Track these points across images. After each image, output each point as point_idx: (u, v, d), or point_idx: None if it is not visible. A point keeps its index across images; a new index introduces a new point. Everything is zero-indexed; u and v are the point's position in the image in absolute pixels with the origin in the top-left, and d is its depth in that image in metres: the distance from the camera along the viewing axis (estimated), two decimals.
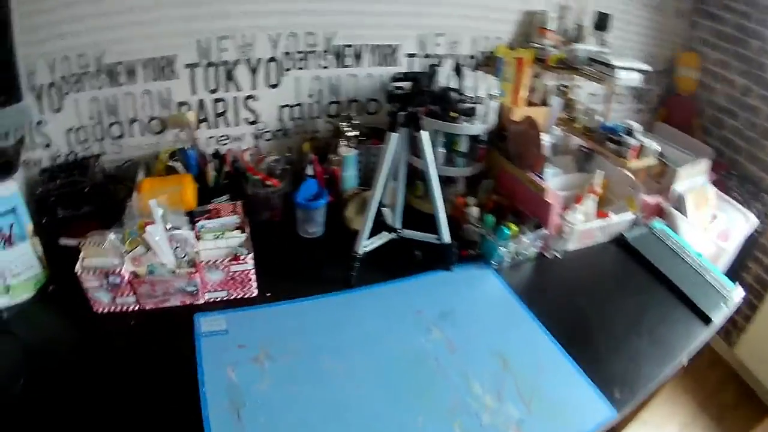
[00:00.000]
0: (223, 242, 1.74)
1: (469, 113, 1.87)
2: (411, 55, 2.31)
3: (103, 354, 1.54)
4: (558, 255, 1.96)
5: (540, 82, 2.29)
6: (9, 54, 1.59)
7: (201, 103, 2.11)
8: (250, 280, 1.71)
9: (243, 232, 1.77)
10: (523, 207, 1.99)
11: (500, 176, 2.13)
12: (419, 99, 1.63)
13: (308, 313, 1.69)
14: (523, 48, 2.30)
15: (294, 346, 1.56)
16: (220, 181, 2.06)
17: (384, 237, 1.90)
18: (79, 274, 1.56)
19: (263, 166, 2.09)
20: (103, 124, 2.04)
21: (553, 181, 2.06)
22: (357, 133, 2.18)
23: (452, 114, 1.82)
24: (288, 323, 1.65)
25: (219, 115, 2.16)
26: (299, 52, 2.14)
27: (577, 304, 1.78)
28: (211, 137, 2.20)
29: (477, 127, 2.01)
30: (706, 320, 1.77)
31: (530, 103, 2.30)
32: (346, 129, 2.16)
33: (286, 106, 2.24)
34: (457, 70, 1.83)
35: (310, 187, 2.03)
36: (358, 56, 2.23)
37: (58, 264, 1.68)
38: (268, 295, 1.75)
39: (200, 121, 2.14)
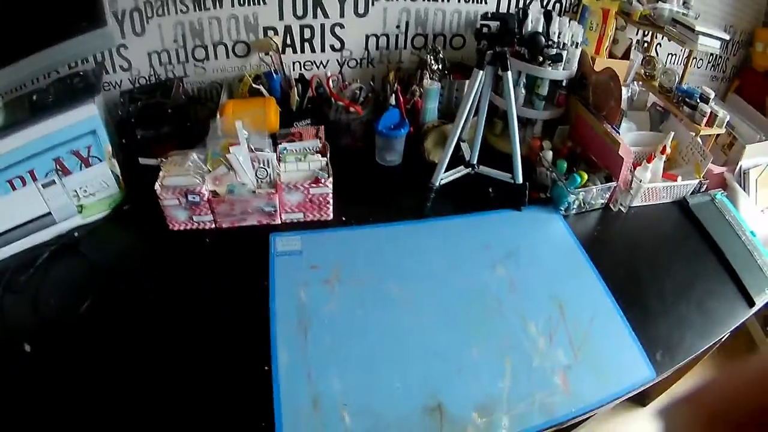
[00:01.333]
0: (304, 165, 1.74)
1: (556, 59, 1.84)
2: None
3: (175, 272, 1.57)
4: (623, 209, 1.92)
5: (623, 35, 2.20)
6: None
7: (288, 29, 2.08)
8: (327, 203, 1.73)
9: (324, 156, 1.77)
10: (595, 157, 1.94)
11: (576, 123, 2.07)
12: (507, 39, 1.59)
13: (380, 240, 1.71)
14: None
15: (363, 270, 1.58)
16: (302, 106, 2.05)
17: (460, 171, 1.89)
18: (158, 192, 1.60)
19: (347, 93, 2.06)
20: (187, 47, 2.03)
21: (627, 136, 1.99)
22: (440, 66, 2.13)
23: (539, 58, 1.79)
24: (360, 248, 1.67)
25: (305, 41, 2.13)
26: None
27: (634, 260, 1.73)
28: (296, 62, 2.17)
29: (560, 73, 1.95)
30: (750, 302, 1.67)
31: (611, 55, 2.22)
32: (431, 62, 2.11)
33: (373, 35, 2.19)
34: (547, 15, 1.78)
35: (392, 116, 2.00)
36: None
37: (137, 184, 1.70)
38: (344, 219, 1.77)
39: (286, 47, 2.12)
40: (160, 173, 1.63)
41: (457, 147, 1.89)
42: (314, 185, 1.67)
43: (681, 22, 1.98)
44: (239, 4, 1.97)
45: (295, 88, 2.02)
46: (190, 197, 1.61)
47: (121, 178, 1.73)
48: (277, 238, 1.68)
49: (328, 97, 2.04)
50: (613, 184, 1.85)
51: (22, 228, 1.58)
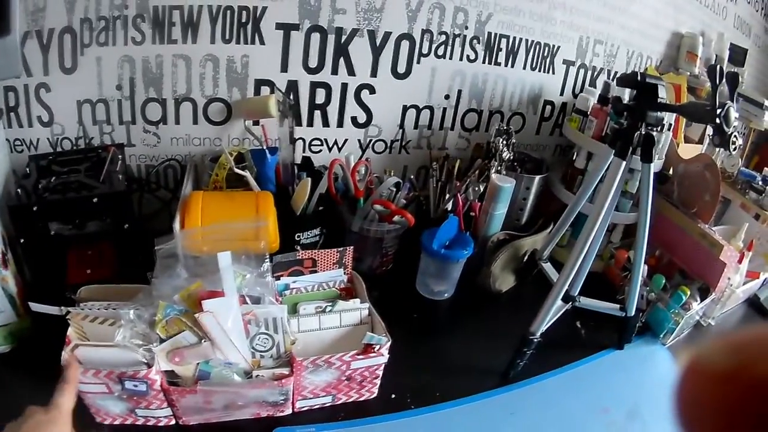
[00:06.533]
0: (331, 319, 0.94)
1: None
2: (568, 63, 1.53)
3: None
4: (712, 322, 1.41)
5: None
6: None
7: (292, 87, 1.28)
8: (376, 377, 0.96)
9: (362, 299, 0.99)
10: (685, 264, 1.44)
11: (659, 225, 1.47)
12: (652, 116, 1.02)
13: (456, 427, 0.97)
14: (674, 73, 1.64)
15: None
16: (307, 208, 1.20)
17: (558, 308, 1.16)
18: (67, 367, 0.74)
19: (381, 191, 1.25)
20: (136, 99, 1.21)
21: None
22: (512, 156, 1.36)
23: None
24: None
25: (316, 107, 1.33)
26: (442, 33, 1.32)
27: None
28: (298, 138, 1.34)
29: (655, 164, 1.30)
30: None
31: (687, 140, 1.66)
32: (501, 148, 1.33)
33: (413, 107, 1.41)
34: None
35: (449, 229, 1.23)
36: (512, 52, 1.43)
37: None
38: (393, 396, 1.00)
39: (286, 114, 1.27)
40: (69, 332, 0.80)
41: (530, 265, 1.35)
42: (361, 357, 0.88)
43: (747, 96, 1.69)
44: (223, 40, 1.18)
45: (305, 180, 1.17)
46: (127, 384, 0.77)
47: (18, 299, 0.94)
48: None
49: (353, 197, 1.26)
50: (713, 296, 1.36)
51: None
